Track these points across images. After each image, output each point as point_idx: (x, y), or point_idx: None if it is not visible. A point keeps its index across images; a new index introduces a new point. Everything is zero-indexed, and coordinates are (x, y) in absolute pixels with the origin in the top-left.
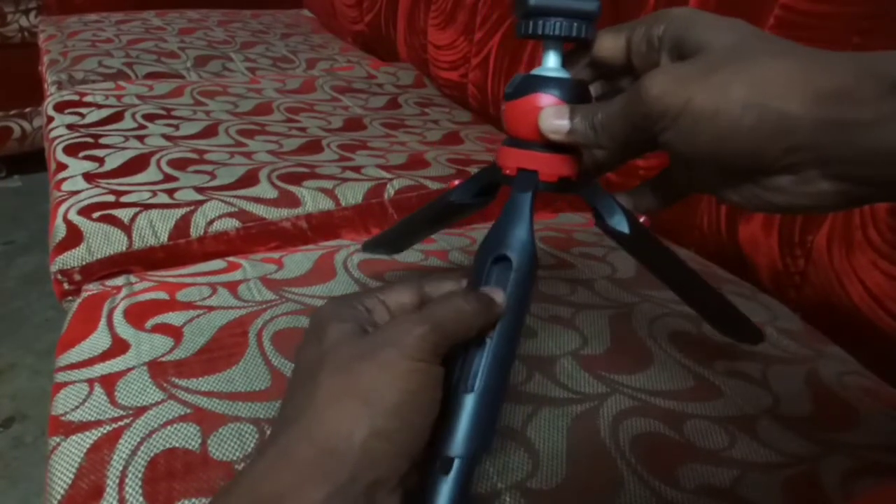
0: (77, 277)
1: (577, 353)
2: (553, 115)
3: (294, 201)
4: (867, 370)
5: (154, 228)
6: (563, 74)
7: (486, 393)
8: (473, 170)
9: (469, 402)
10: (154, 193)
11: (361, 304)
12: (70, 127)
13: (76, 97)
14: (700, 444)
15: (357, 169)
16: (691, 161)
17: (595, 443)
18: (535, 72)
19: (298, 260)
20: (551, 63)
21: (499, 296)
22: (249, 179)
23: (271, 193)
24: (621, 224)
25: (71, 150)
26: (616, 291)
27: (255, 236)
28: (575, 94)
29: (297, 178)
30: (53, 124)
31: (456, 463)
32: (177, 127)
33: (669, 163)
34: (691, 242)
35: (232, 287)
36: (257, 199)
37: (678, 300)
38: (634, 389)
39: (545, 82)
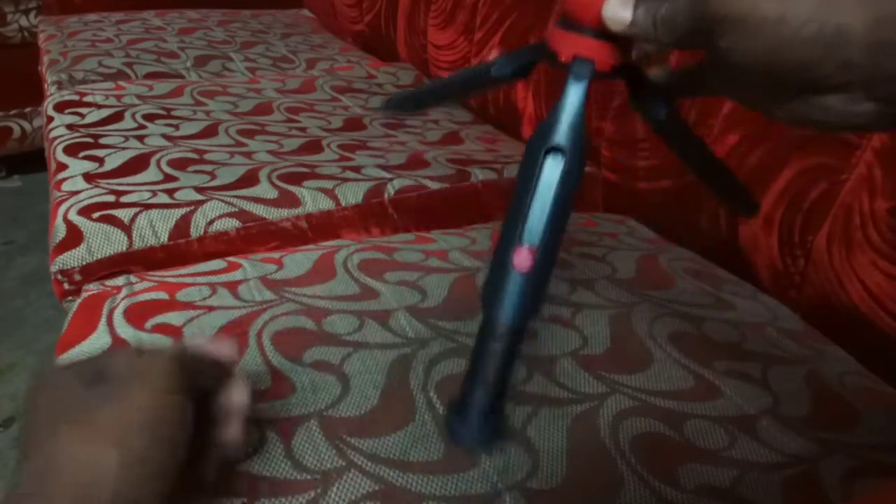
0: (77, 277)
1: (577, 354)
2: (619, 4)
3: (294, 201)
4: (867, 370)
5: (154, 228)
6: None
7: (542, 266)
8: (473, 170)
9: (524, 279)
10: (154, 193)
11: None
12: (70, 127)
13: (76, 97)
14: (700, 444)
15: (357, 169)
16: (743, 69)
17: (595, 443)
18: None
19: (298, 260)
20: None
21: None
22: (249, 179)
23: (271, 193)
24: (659, 112)
25: (71, 150)
26: (616, 291)
27: (256, 236)
28: None
29: (297, 178)
30: (53, 124)
31: (505, 331)
32: (177, 127)
33: (710, 66)
34: (691, 242)
35: (232, 287)
36: (257, 199)
37: (678, 300)
38: (634, 389)
39: None
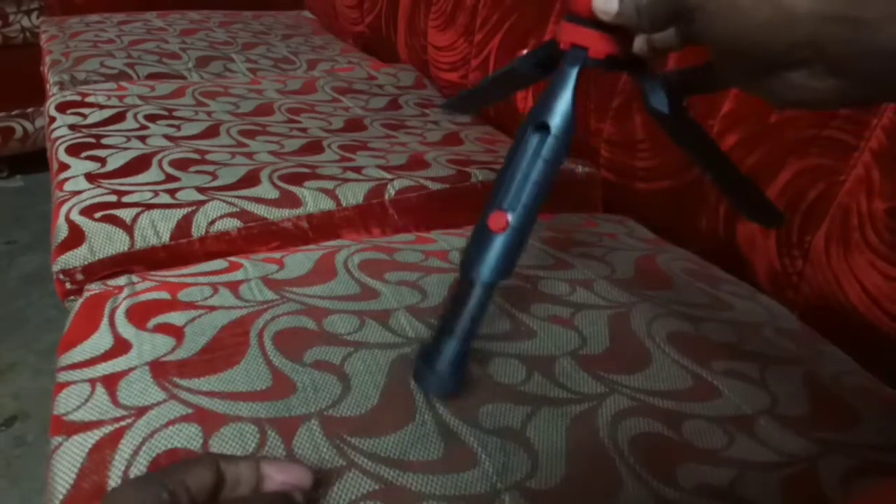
0: (79, 277)
1: (576, 354)
2: None
3: (295, 201)
4: (865, 370)
5: (156, 228)
6: None
7: (516, 231)
8: (473, 170)
9: (499, 240)
10: (156, 193)
11: (165, 490)
12: (72, 127)
13: (78, 98)
14: (698, 443)
15: (358, 169)
16: (715, 51)
17: (594, 443)
18: None
19: (299, 260)
20: None
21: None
22: (251, 180)
23: (272, 194)
24: (662, 104)
25: (73, 150)
26: (615, 291)
27: (257, 236)
28: None
29: (298, 179)
30: (55, 125)
31: (478, 287)
32: (178, 127)
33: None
34: (690, 243)
35: (233, 287)
36: (258, 200)
37: (677, 300)
38: (633, 389)
39: None
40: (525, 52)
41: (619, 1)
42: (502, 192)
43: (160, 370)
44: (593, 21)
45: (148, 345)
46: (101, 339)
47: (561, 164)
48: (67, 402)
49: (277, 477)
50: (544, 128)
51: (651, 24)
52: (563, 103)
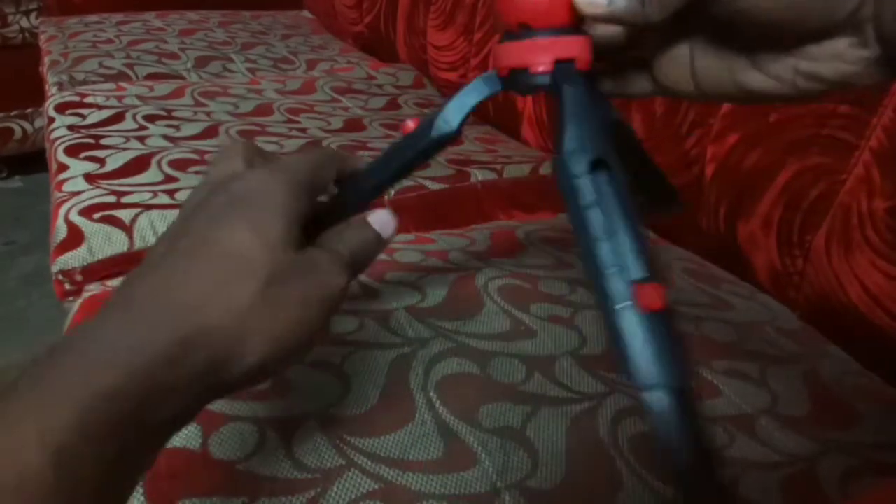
0: (78, 278)
1: (577, 353)
2: None
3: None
4: (866, 369)
5: (155, 229)
6: None
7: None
8: (473, 170)
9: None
10: (155, 194)
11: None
12: (71, 128)
13: (77, 98)
14: None
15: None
16: (748, 22)
17: (594, 442)
18: None
19: None
20: None
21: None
22: None
23: None
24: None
25: (72, 150)
26: None
27: None
28: None
29: None
30: (54, 125)
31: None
32: (177, 128)
33: (697, 34)
34: (690, 242)
35: None
36: None
37: (677, 300)
38: (633, 389)
39: None
40: (411, 124)
41: None
42: (622, 258)
43: None
44: (553, 28)
45: None
46: None
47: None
48: None
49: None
50: (600, 163)
51: (661, 13)
52: (595, 129)
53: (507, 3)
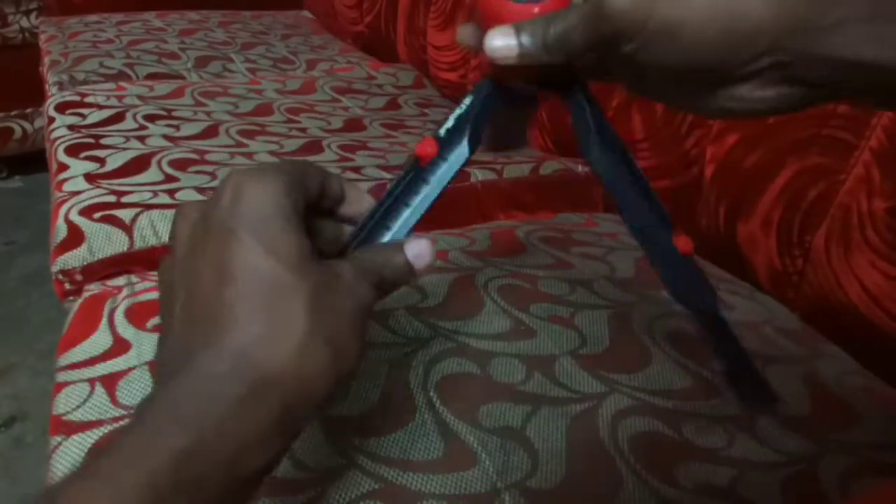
0: (78, 278)
1: (577, 353)
2: (498, 38)
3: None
4: (865, 369)
5: (155, 229)
6: None
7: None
8: (473, 170)
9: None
10: (155, 194)
11: (290, 176)
12: (71, 128)
13: (77, 98)
14: (699, 442)
15: (357, 169)
16: (650, 72)
17: (594, 442)
18: None
19: None
20: None
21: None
22: None
23: None
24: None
25: (72, 150)
26: (615, 291)
27: None
28: None
29: None
30: (54, 125)
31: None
32: (177, 127)
33: (615, 70)
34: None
35: None
36: None
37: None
38: (633, 389)
39: None
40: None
41: (517, 39)
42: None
43: None
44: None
45: (147, 345)
46: (100, 339)
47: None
48: (67, 402)
49: (352, 205)
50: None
51: (567, 56)
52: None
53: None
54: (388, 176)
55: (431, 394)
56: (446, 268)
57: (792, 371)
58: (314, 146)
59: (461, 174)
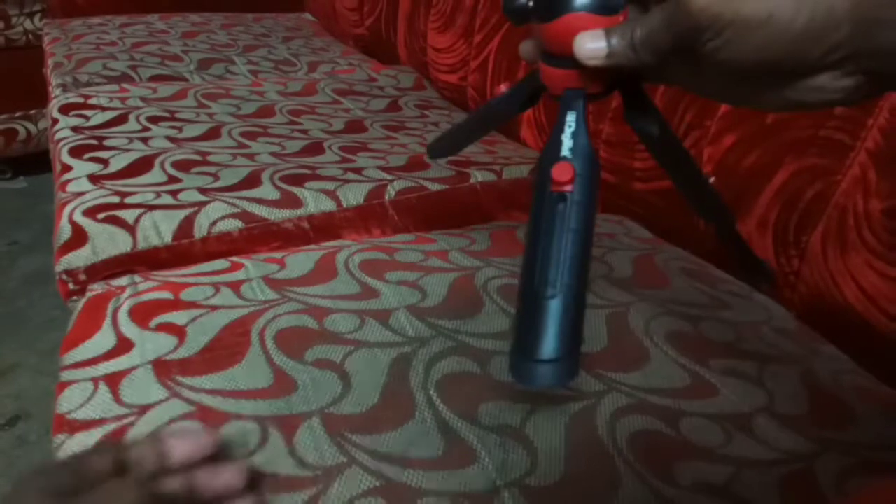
0: (82, 277)
1: None
2: (588, 41)
3: (296, 202)
4: (862, 369)
5: (158, 229)
6: None
7: (569, 293)
8: (473, 171)
9: (555, 306)
10: (158, 194)
11: (65, 477)
12: (75, 129)
13: (81, 100)
14: (696, 441)
15: (358, 170)
16: (734, 68)
17: (593, 440)
18: None
19: (300, 260)
20: None
21: None
22: (252, 181)
23: (274, 194)
24: (652, 126)
25: (76, 151)
26: (613, 290)
27: (258, 237)
28: (612, 5)
29: (299, 180)
30: (58, 126)
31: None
32: (180, 129)
33: (679, 71)
34: (688, 243)
35: (235, 287)
36: (260, 200)
37: (674, 300)
38: (631, 387)
39: None
40: (503, 88)
41: (606, 42)
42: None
43: (162, 369)
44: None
45: (150, 344)
46: (103, 339)
47: (596, 200)
48: (70, 401)
49: (179, 447)
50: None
51: (653, 57)
52: (580, 140)
53: (544, 38)
54: (389, 177)
55: (431, 392)
56: (446, 268)
57: (789, 371)
58: (315, 147)
59: (461, 175)
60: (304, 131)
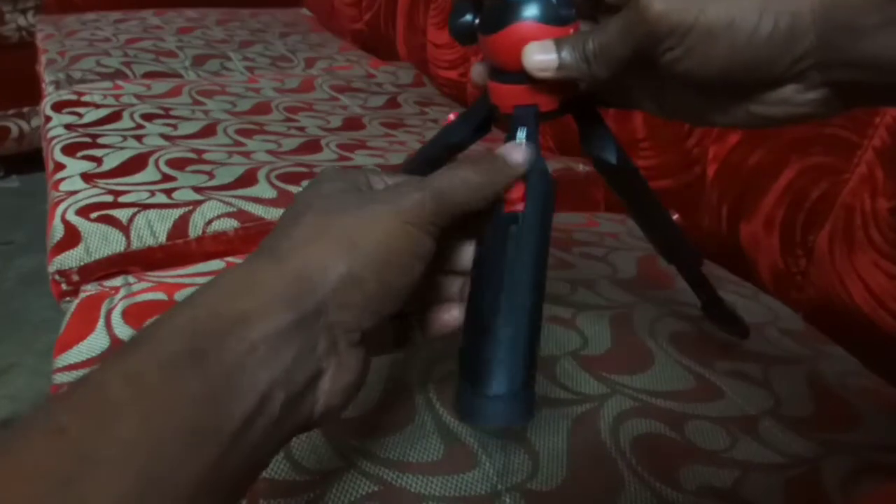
0: (75, 278)
1: (578, 354)
2: (538, 51)
3: (293, 201)
4: (869, 370)
5: (152, 229)
6: None
7: (521, 321)
8: None
9: (506, 335)
10: (152, 193)
11: (364, 175)
12: (68, 127)
13: (74, 97)
14: (701, 444)
15: (356, 168)
16: (695, 78)
17: (596, 444)
18: None
19: None
20: None
21: (517, 153)
22: (248, 179)
23: (270, 193)
24: (609, 153)
25: (69, 149)
26: (616, 292)
27: (254, 236)
28: (562, 16)
29: (295, 178)
30: (51, 124)
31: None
32: (175, 126)
33: (640, 92)
34: (692, 242)
35: None
36: (256, 199)
37: (679, 300)
38: (635, 390)
39: (524, 6)
40: (452, 117)
41: (556, 53)
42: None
43: None
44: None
45: None
46: (97, 340)
47: (549, 221)
48: None
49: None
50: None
51: (608, 70)
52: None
53: (490, 51)
54: None
55: (431, 395)
56: None
57: (795, 372)
58: (313, 145)
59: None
60: (301, 129)
